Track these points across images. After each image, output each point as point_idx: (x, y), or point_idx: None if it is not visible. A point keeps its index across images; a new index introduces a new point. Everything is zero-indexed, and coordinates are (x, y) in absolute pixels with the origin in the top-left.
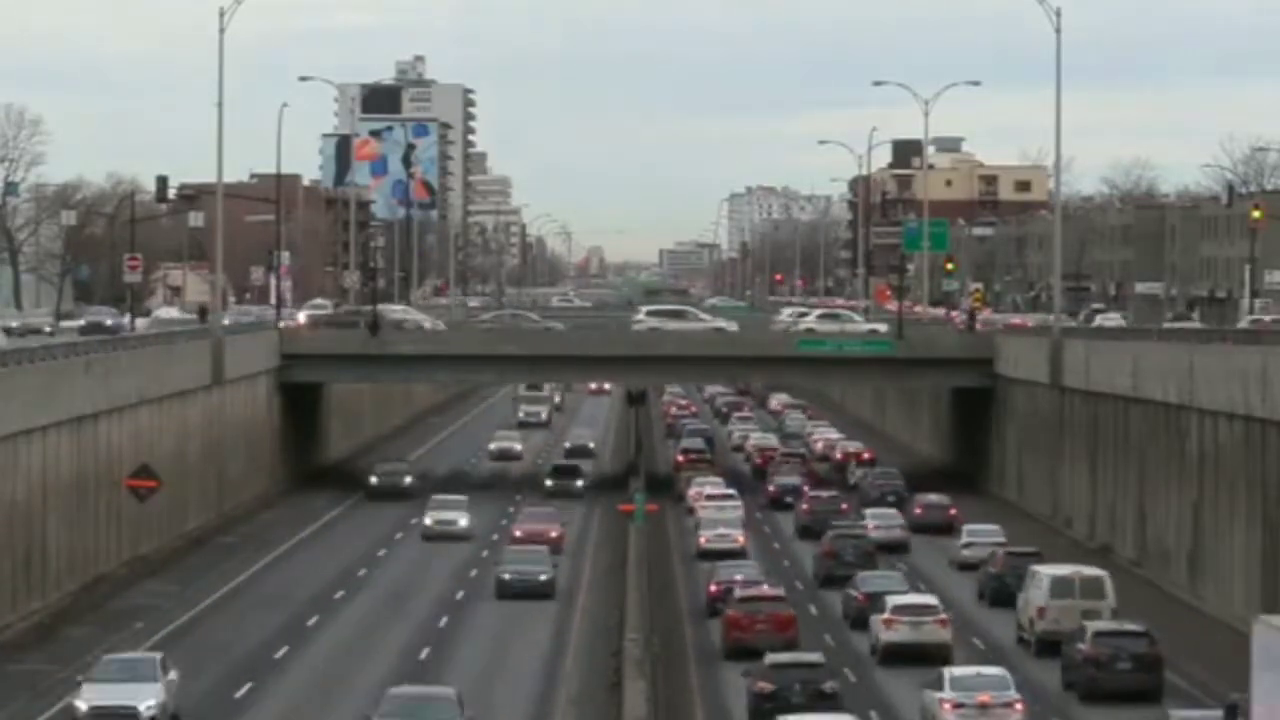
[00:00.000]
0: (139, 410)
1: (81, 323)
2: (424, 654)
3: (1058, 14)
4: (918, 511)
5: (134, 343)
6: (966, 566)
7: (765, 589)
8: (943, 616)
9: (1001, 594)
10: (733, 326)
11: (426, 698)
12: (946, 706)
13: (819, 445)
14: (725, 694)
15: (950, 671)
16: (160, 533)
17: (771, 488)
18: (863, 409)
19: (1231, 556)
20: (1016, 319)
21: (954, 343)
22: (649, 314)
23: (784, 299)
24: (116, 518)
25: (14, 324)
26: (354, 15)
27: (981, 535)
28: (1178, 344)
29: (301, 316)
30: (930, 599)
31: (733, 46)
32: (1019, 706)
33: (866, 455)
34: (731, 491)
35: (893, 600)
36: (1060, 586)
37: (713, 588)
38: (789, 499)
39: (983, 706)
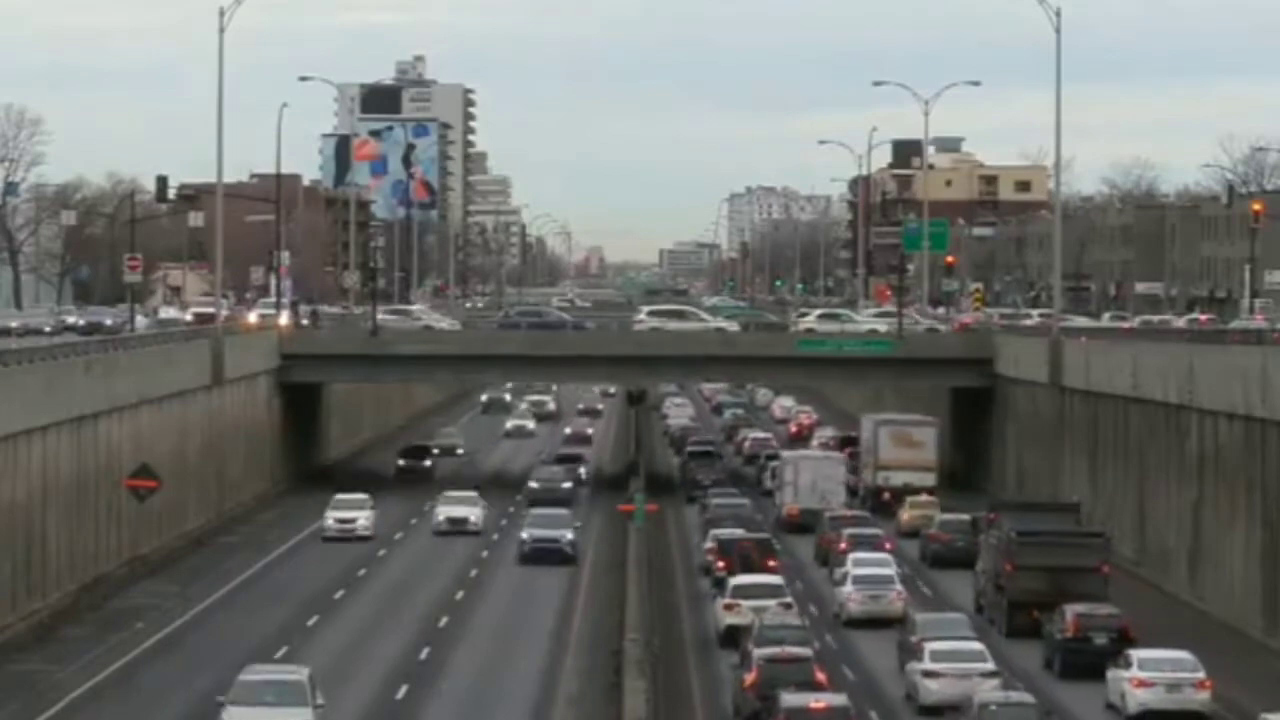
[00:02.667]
0: (139, 410)
1: (81, 322)
2: (424, 654)
3: (1058, 14)
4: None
5: (134, 343)
6: None
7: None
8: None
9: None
10: (734, 327)
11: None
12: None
13: (777, 411)
14: (725, 692)
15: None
16: (160, 533)
17: (712, 403)
18: (862, 409)
19: (1231, 556)
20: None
21: (954, 343)
22: (650, 314)
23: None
24: (116, 518)
25: (13, 324)
26: (354, 15)
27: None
28: (1178, 344)
29: (252, 317)
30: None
31: (733, 46)
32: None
33: (808, 421)
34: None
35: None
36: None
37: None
38: (721, 408)
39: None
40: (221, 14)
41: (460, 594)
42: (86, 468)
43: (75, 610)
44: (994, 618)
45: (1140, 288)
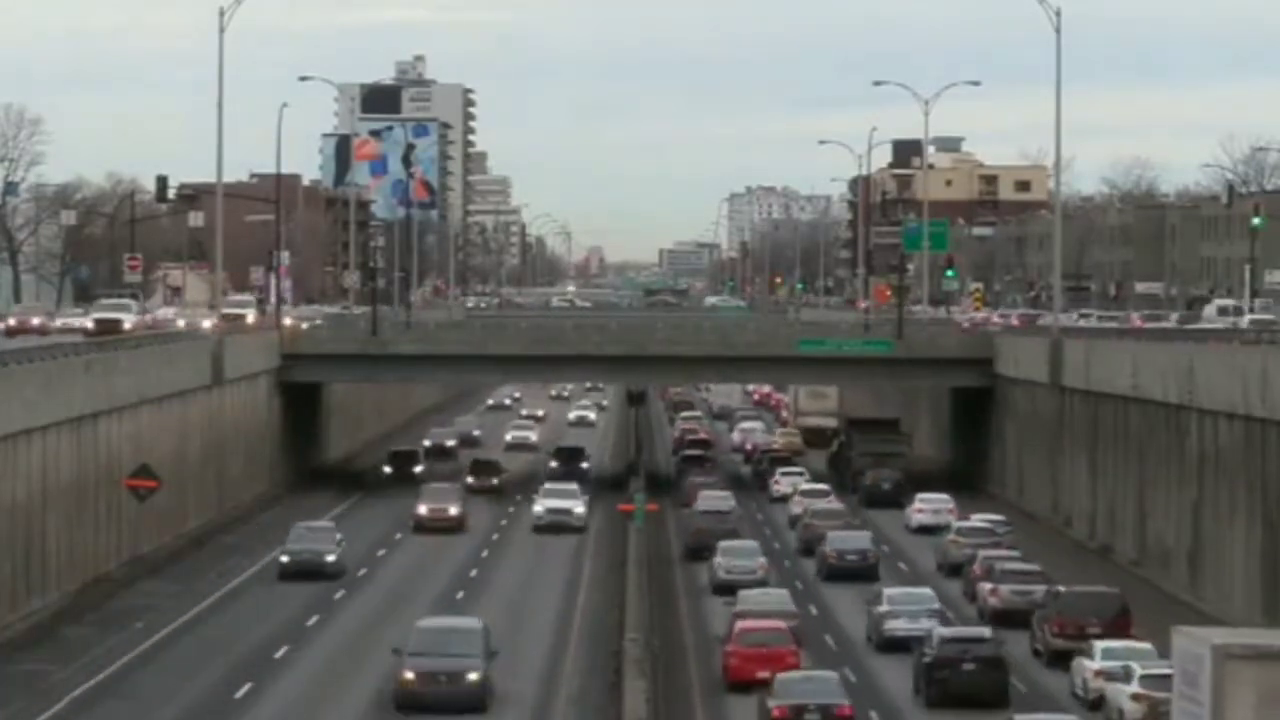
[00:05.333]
0: (139, 410)
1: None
2: None
3: (1058, 14)
4: (756, 396)
5: (134, 343)
6: None
7: None
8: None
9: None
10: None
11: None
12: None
13: (756, 391)
14: (728, 698)
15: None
16: (160, 533)
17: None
18: (860, 405)
19: (1231, 556)
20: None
21: (954, 343)
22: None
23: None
24: (116, 518)
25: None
26: (354, 15)
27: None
28: (1178, 344)
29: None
30: None
31: (733, 46)
32: None
33: (769, 390)
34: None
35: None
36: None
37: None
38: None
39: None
40: (221, 14)
41: (460, 594)
42: (86, 468)
43: (75, 610)
44: (849, 486)
45: (1140, 288)
